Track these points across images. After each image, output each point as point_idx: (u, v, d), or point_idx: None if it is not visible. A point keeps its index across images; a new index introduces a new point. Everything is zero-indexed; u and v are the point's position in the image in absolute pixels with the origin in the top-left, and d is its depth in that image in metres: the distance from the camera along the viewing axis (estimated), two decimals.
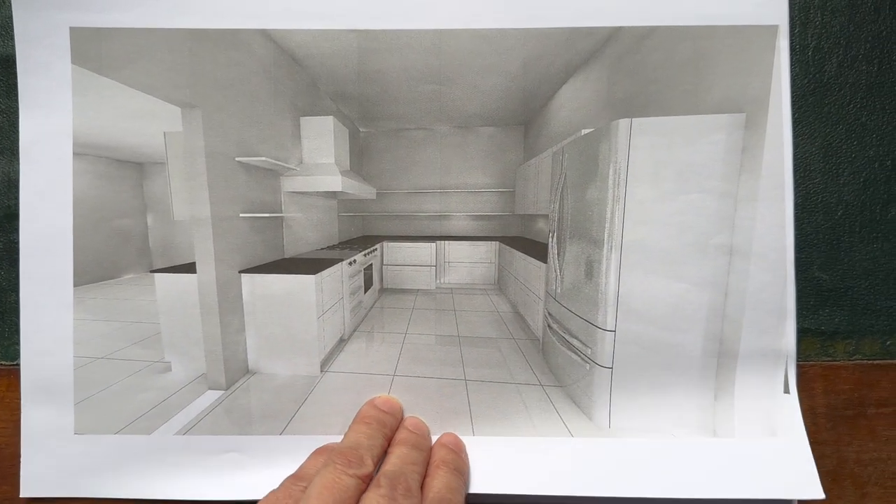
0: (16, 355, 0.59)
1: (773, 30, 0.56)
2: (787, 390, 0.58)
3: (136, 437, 0.60)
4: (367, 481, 0.47)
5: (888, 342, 0.60)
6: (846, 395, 0.59)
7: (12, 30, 0.57)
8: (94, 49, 0.59)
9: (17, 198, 0.58)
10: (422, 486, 0.50)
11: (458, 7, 0.58)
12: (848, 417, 0.59)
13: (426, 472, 0.53)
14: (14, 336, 0.59)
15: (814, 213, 0.58)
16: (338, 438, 0.55)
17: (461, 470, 0.55)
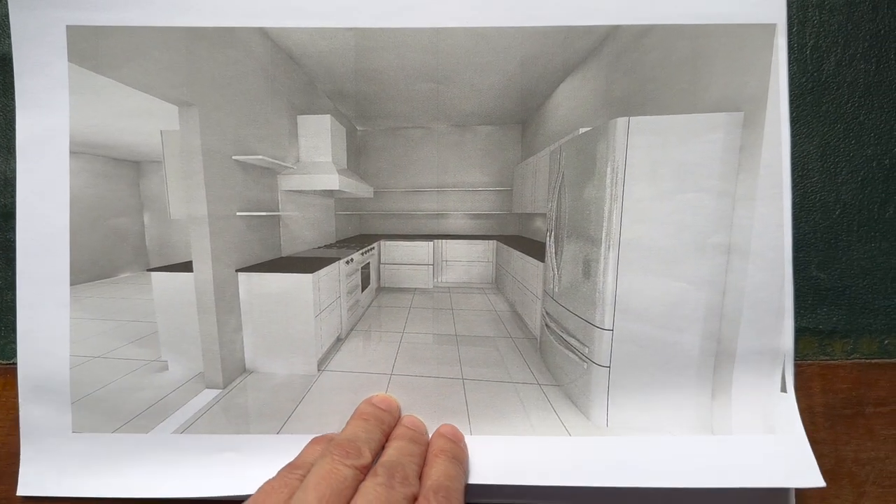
0: (12, 354, 0.59)
1: (770, 28, 0.56)
2: (784, 389, 0.58)
3: (133, 436, 0.60)
4: (364, 472, 0.47)
5: (886, 341, 0.60)
6: (844, 394, 0.60)
7: (9, 28, 0.56)
8: (90, 47, 0.58)
9: (13, 196, 0.58)
10: (420, 477, 0.50)
11: (455, 5, 0.58)
12: (846, 416, 0.60)
13: (424, 462, 0.53)
14: (11, 335, 0.59)
15: (812, 212, 0.58)
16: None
17: (460, 459, 0.55)
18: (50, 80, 0.57)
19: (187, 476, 0.58)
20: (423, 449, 0.55)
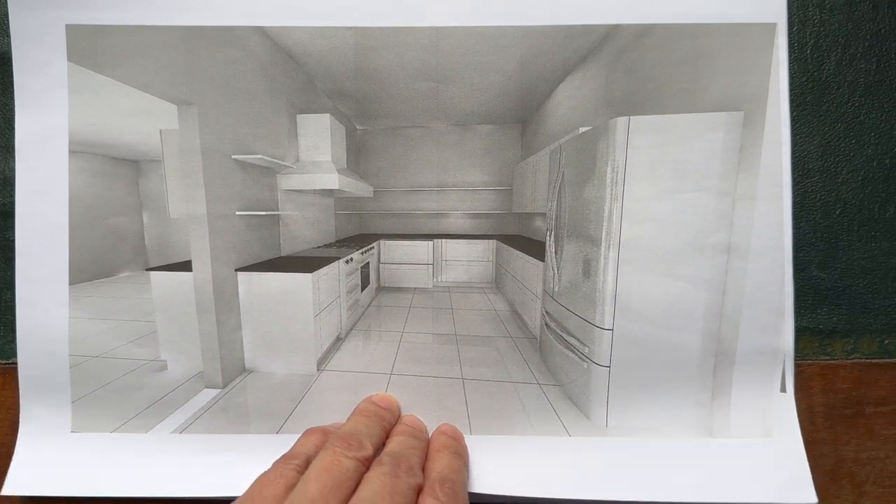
0: (12, 353, 0.59)
1: (771, 28, 0.56)
2: (783, 389, 0.58)
3: (132, 436, 0.60)
4: (366, 464, 0.47)
5: (886, 341, 0.60)
6: (844, 394, 0.60)
7: (8, 27, 0.56)
8: (90, 47, 0.58)
9: (12, 196, 0.58)
10: (423, 471, 0.50)
11: (455, 5, 0.58)
12: (846, 416, 0.60)
13: (426, 458, 0.52)
14: (10, 334, 0.59)
15: (812, 211, 0.58)
16: None
17: (461, 455, 0.55)
18: (49, 79, 0.57)
19: (186, 476, 0.58)
20: (425, 445, 0.55)
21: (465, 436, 0.59)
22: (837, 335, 0.60)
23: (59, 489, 0.58)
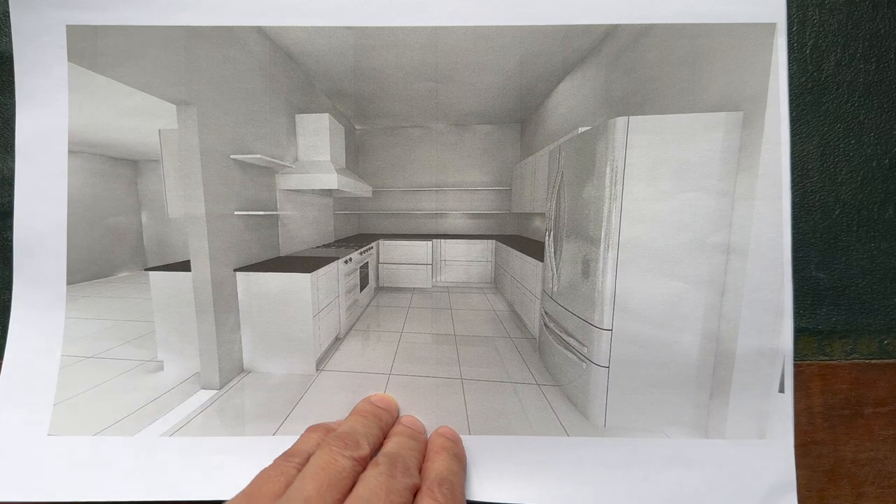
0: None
1: (770, 28, 0.56)
2: (782, 390, 0.58)
3: (116, 439, 0.60)
4: (362, 464, 0.47)
5: (885, 341, 0.60)
6: (843, 394, 0.60)
7: (9, 27, 0.56)
8: (90, 47, 0.59)
9: (11, 195, 0.58)
10: (421, 472, 0.50)
11: (454, 4, 0.58)
12: (845, 417, 0.60)
13: (424, 458, 0.52)
14: (3, 333, 0.59)
15: (811, 211, 0.58)
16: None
17: (460, 457, 0.55)
18: (50, 79, 0.57)
19: (177, 479, 0.58)
20: (423, 446, 0.55)
21: (464, 436, 0.59)
22: (836, 335, 0.60)
23: (31, 494, 0.57)
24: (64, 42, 0.57)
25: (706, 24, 0.57)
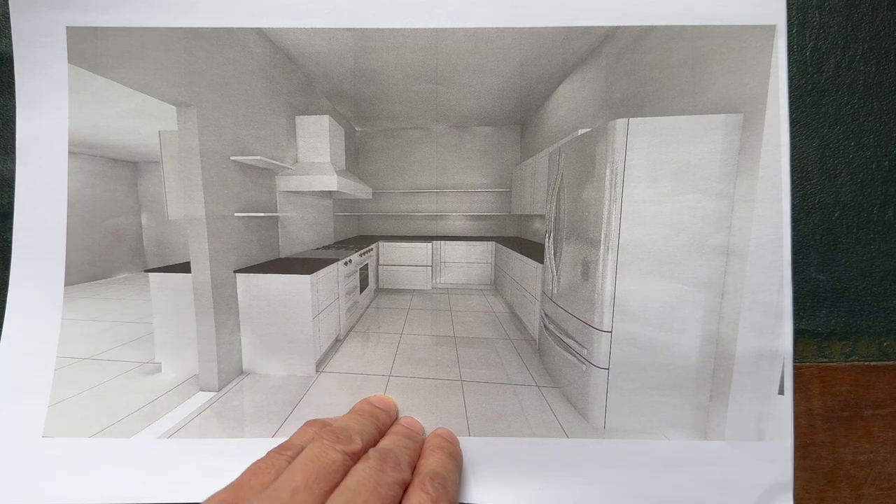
0: None
1: (770, 30, 0.56)
2: (781, 392, 0.58)
3: (111, 441, 0.60)
4: (353, 458, 0.46)
5: (885, 343, 0.60)
6: (843, 396, 0.59)
7: (9, 29, 0.56)
8: (90, 48, 0.59)
9: (11, 196, 0.58)
10: (414, 471, 0.50)
11: (454, 6, 0.58)
12: (844, 419, 0.59)
13: (420, 457, 0.52)
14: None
15: (811, 213, 0.58)
16: None
17: (455, 456, 0.55)
18: (50, 80, 0.57)
19: (167, 482, 0.57)
20: (419, 445, 0.54)
21: (463, 437, 0.59)
22: (836, 337, 0.60)
23: (25, 497, 0.57)
24: (64, 43, 0.57)
25: (706, 26, 0.57)
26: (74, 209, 0.59)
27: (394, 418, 0.60)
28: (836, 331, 0.60)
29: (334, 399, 0.65)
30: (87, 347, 0.65)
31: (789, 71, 0.56)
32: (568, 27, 0.58)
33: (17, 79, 0.57)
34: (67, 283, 0.59)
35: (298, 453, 0.47)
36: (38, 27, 0.57)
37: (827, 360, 0.60)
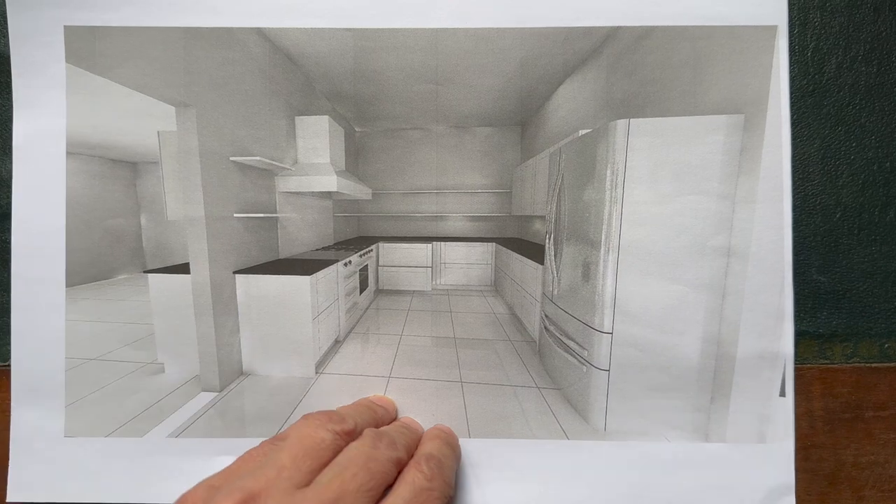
0: (7, 356, 0.59)
1: (771, 30, 0.56)
2: (783, 393, 0.57)
3: (127, 440, 0.60)
4: (344, 438, 0.46)
5: (886, 345, 0.59)
6: (844, 398, 0.59)
7: (6, 28, 0.56)
8: (88, 48, 0.58)
9: (9, 197, 0.57)
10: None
11: (454, 6, 0.58)
12: (845, 420, 0.59)
13: (417, 446, 0.52)
14: (6, 337, 0.59)
15: (812, 215, 0.58)
16: None
17: (453, 445, 0.54)
18: (47, 80, 0.57)
19: (182, 481, 0.57)
20: (417, 437, 0.54)
21: (463, 439, 0.58)
22: (837, 339, 0.59)
23: (50, 495, 0.57)
24: (62, 43, 0.57)
25: (707, 27, 0.57)
26: (73, 210, 0.59)
27: (393, 417, 0.60)
28: (838, 332, 0.59)
29: (334, 400, 0.64)
30: (92, 348, 0.65)
31: (791, 71, 0.56)
32: (569, 27, 0.58)
33: (14, 78, 0.57)
34: (68, 284, 0.59)
35: None
36: (35, 26, 0.57)
37: (828, 361, 0.60)
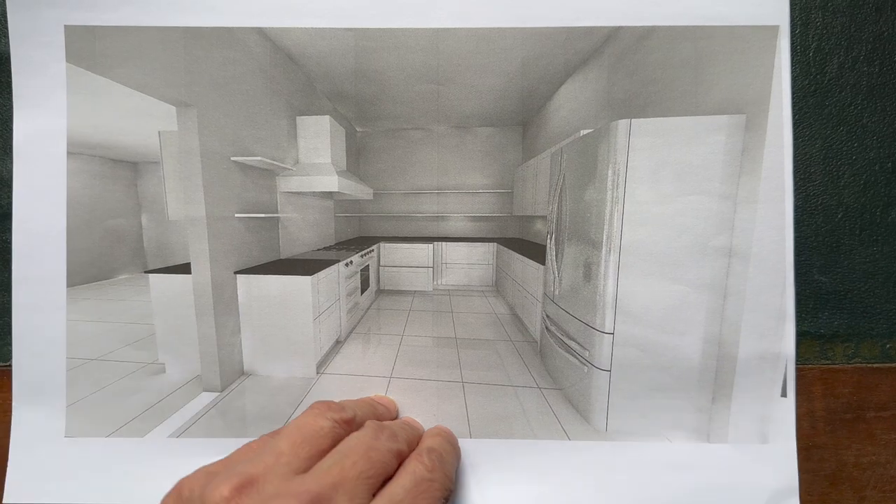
0: (7, 356, 0.59)
1: (773, 30, 0.56)
2: (784, 394, 0.57)
3: (128, 440, 0.60)
4: (344, 427, 0.46)
5: (888, 345, 0.59)
6: (845, 398, 0.59)
7: (7, 28, 0.56)
8: (88, 47, 0.58)
9: (10, 197, 0.57)
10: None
11: (455, 6, 0.58)
12: (847, 421, 0.59)
13: (418, 442, 0.52)
14: (7, 337, 0.59)
15: (814, 215, 0.58)
16: None
17: (454, 444, 0.54)
18: (48, 80, 0.57)
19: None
20: (417, 434, 0.54)
21: (464, 439, 0.58)
22: (838, 339, 0.59)
23: (50, 496, 0.57)
24: (62, 42, 0.57)
25: (709, 27, 0.56)
26: (74, 210, 0.59)
27: (394, 416, 0.60)
28: (839, 333, 0.59)
29: (335, 400, 0.64)
30: (93, 348, 0.65)
31: (792, 72, 0.56)
32: (570, 27, 0.58)
33: (14, 78, 0.57)
34: (68, 284, 0.59)
35: None
36: (35, 26, 0.57)
37: (829, 362, 0.59)
